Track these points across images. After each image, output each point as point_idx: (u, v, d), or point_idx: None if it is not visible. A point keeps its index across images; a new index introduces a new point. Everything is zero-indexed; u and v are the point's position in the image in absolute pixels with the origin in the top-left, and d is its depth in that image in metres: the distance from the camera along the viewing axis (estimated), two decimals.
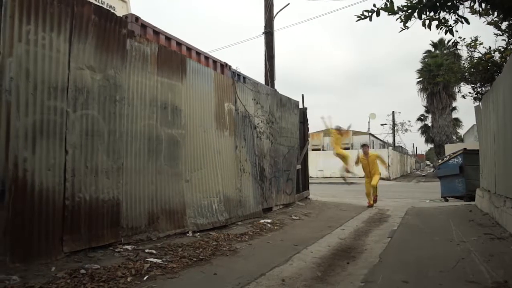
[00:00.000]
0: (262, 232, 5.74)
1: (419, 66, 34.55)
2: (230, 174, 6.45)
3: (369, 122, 42.26)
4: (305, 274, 3.63)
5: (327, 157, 27.82)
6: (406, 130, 44.25)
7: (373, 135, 43.58)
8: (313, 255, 4.42)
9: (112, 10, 5.01)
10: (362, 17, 3.78)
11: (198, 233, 5.21)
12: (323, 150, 37.27)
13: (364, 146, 10.74)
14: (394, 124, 42.34)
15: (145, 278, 3.25)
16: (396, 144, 42.66)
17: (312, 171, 14.82)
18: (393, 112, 42.50)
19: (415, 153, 69.55)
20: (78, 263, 3.46)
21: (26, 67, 3.36)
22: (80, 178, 3.82)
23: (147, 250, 4.06)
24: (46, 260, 3.39)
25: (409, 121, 48.26)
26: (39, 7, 3.48)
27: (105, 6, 6.52)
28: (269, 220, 6.60)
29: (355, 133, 41.22)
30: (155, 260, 3.72)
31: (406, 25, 3.82)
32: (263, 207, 7.41)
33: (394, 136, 42.42)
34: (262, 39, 11.08)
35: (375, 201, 9.67)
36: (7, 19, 3.22)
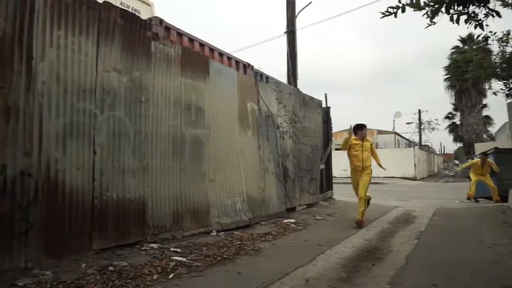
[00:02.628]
0: (286, 232, 5.72)
1: (446, 62, 33.46)
2: (254, 174, 6.46)
3: (394, 121, 41.25)
4: (329, 274, 3.59)
5: None
6: (433, 128, 42.84)
7: (398, 134, 42.56)
8: (337, 255, 4.36)
9: (137, 14, 5.12)
10: (387, 13, 3.70)
11: (222, 233, 5.25)
12: None
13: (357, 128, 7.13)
14: (420, 123, 41.20)
15: (170, 276, 3.30)
16: (423, 143, 41.48)
17: (336, 171, 14.62)
18: (419, 110, 41.36)
19: (442, 152, 67.46)
20: (106, 260, 3.55)
21: (57, 71, 3.49)
22: (108, 177, 3.93)
23: (172, 249, 4.13)
24: (77, 256, 3.51)
25: (436, 120, 46.85)
26: (68, 12, 3.60)
27: (130, 10, 6.68)
28: (292, 220, 6.57)
29: (380, 132, 40.41)
30: (180, 258, 3.78)
31: (433, 20, 3.71)
32: (286, 207, 7.39)
33: (420, 135, 41.28)
34: (284, 39, 11.04)
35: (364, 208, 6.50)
36: (40, 25, 3.36)
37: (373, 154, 7.07)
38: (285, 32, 10.99)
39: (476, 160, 10.67)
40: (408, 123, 42.47)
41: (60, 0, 3.53)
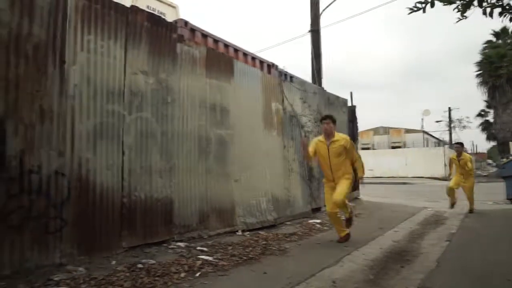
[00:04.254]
0: (311, 232, 5.67)
1: (477, 58, 32.09)
2: (278, 174, 6.45)
3: (422, 119, 40.18)
4: (356, 276, 3.52)
5: (378, 156, 26.90)
6: (464, 127, 41.22)
7: (427, 133, 41.29)
8: (364, 257, 4.28)
9: (162, 16, 5.22)
10: (415, 9, 3.58)
11: (248, 232, 5.26)
12: (373, 149, 36.08)
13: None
14: (450, 121, 39.77)
15: (197, 274, 3.34)
16: (453, 142, 40.01)
17: None
18: (449, 108, 39.90)
19: (474, 152, 64.86)
20: (135, 258, 3.65)
21: (87, 74, 3.61)
22: (136, 177, 4.03)
23: (198, 248, 4.18)
24: (107, 254, 3.62)
25: (467, 117, 45.04)
26: (98, 17, 3.72)
27: (156, 13, 6.82)
28: (318, 221, 6.51)
29: (408, 131, 39.34)
30: (206, 257, 3.82)
31: (464, 14, 3.56)
32: (311, 207, 7.33)
33: (450, 134, 39.80)
34: (308, 38, 10.95)
35: (349, 222, 5.08)
36: (71, 31, 3.48)
37: (352, 160, 4.96)
38: (309, 31, 10.90)
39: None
40: (437, 122, 41.10)
41: (90, 6, 3.65)
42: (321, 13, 10.87)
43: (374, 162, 25.28)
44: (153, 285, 3.01)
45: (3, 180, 2.94)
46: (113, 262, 3.48)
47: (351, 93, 12.41)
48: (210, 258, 3.81)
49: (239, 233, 5.20)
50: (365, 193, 10.46)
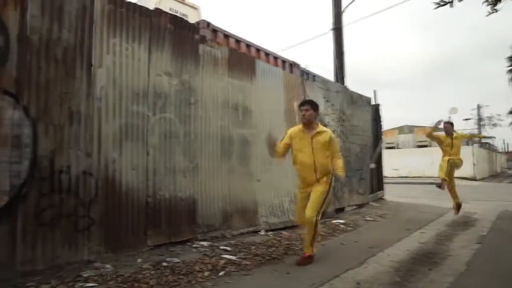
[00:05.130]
0: (335, 232, 5.60)
1: (508, 53, 30.80)
2: None
3: (449, 117, 38.74)
4: (382, 278, 3.45)
5: (403, 155, 26.26)
6: (494, 124, 39.65)
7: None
8: (390, 258, 4.18)
9: (185, 18, 5.29)
10: (442, 3, 3.49)
11: (270, 232, 5.26)
12: (397, 148, 35.28)
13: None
14: (480, 119, 38.39)
15: (221, 273, 3.37)
16: (483, 141, 38.59)
17: (387, 171, 14.03)
18: (478, 105, 38.61)
19: (506, 150, 62.22)
20: (160, 256, 3.71)
21: (113, 76, 3.71)
22: (160, 177, 4.10)
23: (221, 247, 4.21)
24: (133, 252, 3.70)
25: (498, 115, 43.35)
26: (123, 20, 3.81)
27: (178, 14, 6.91)
28: (341, 221, 6.42)
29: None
30: (229, 256, 3.84)
31: (495, 8, 3.43)
32: (335, 207, 7.23)
33: (480, 132, 38.43)
34: (330, 36, 10.82)
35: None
36: (98, 34, 3.58)
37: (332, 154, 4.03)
38: (331, 29, 10.77)
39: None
40: (465, 120, 39.75)
41: (115, 10, 3.75)
42: (343, 10, 10.74)
43: (399, 162, 24.70)
44: (178, 283, 3.06)
45: (35, 179, 3.06)
46: (139, 260, 3.55)
47: (374, 91, 12.17)
48: (233, 258, 3.82)
49: (262, 233, 5.20)
50: (390, 194, 10.25)
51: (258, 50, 6.52)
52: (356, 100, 8.71)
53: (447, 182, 6.90)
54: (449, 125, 7.17)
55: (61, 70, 3.30)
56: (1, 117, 2.90)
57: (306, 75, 7.61)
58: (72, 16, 3.40)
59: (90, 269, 3.19)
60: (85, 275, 3.04)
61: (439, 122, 7.05)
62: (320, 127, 4.07)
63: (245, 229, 5.06)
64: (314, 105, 4.10)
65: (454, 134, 7.10)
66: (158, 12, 4.26)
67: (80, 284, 2.88)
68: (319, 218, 3.81)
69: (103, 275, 3.08)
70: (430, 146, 28.17)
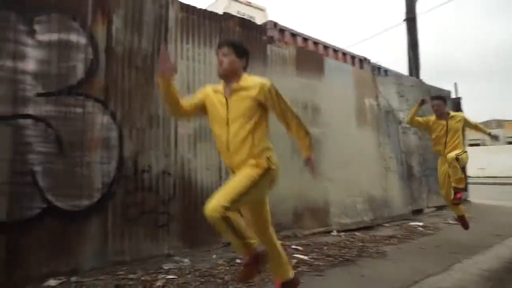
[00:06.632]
0: (413, 235, 5.24)
1: None
2: (374, 173, 6.12)
3: None
4: (469, 287, 3.14)
5: (491, 153, 23.70)
6: None
7: None
8: (477, 266, 3.79)
9: (252, 20, 5.38)
10: None
11: (342, 233, 5.10)
12: (483, 145, 31.99)
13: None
14: None
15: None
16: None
17: (471, 170, 12.73)
18: None
19: None
20: (232, 253, 3.81)
21: (187, 80, 3.91)
22: None
23: (293, 246, 4.19)
24: (207, 248, 3.86)
25: None
26: (195, 27, 4.01)
27: (246, 17, 7.06)
28: (420, 223, 6.00)
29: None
30: (301, 256, 3.81)
31: None
32: (412, 209, 6.79)
33: None
34: (403, 28, 10.20)
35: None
36: (172, 41, 3.81)
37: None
38: (404, 20, 10.16)
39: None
40: None
41: (187, 17, 3.95)
42: None
43: (486, 160, 22.33)
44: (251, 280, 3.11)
45: (122, 178, 3.36)
46: (213, 256, 3.69)
47: (455, 83, 11.22)
48: (305, 257, 3.78)
49: (334, 233, 5.07)
50: (476, 195, 9.33)
51: (326, 47, 6.39)
52: (434, 94, 8.08)
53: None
54: (440, 102, 4.74)
55: (141, 78, 3.58)
56: (94, 122, 3.24)
57: (377, 70, 7.25)
58: (149, 26, 3.66)
59: (170, 262, 3.40)
60: (166, 268, 3.25)
61: (424, 100, 4.83)
62: (245, 81, 2.33)
63: (316, 229, 4.99)
64: (236, 47, 2.36)
65: (451, 114, 4.76)
66: (227, 16, 4.40)
67: (162, 275, 3.08)
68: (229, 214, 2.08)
69: (181, 269, 3.25)
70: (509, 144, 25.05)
